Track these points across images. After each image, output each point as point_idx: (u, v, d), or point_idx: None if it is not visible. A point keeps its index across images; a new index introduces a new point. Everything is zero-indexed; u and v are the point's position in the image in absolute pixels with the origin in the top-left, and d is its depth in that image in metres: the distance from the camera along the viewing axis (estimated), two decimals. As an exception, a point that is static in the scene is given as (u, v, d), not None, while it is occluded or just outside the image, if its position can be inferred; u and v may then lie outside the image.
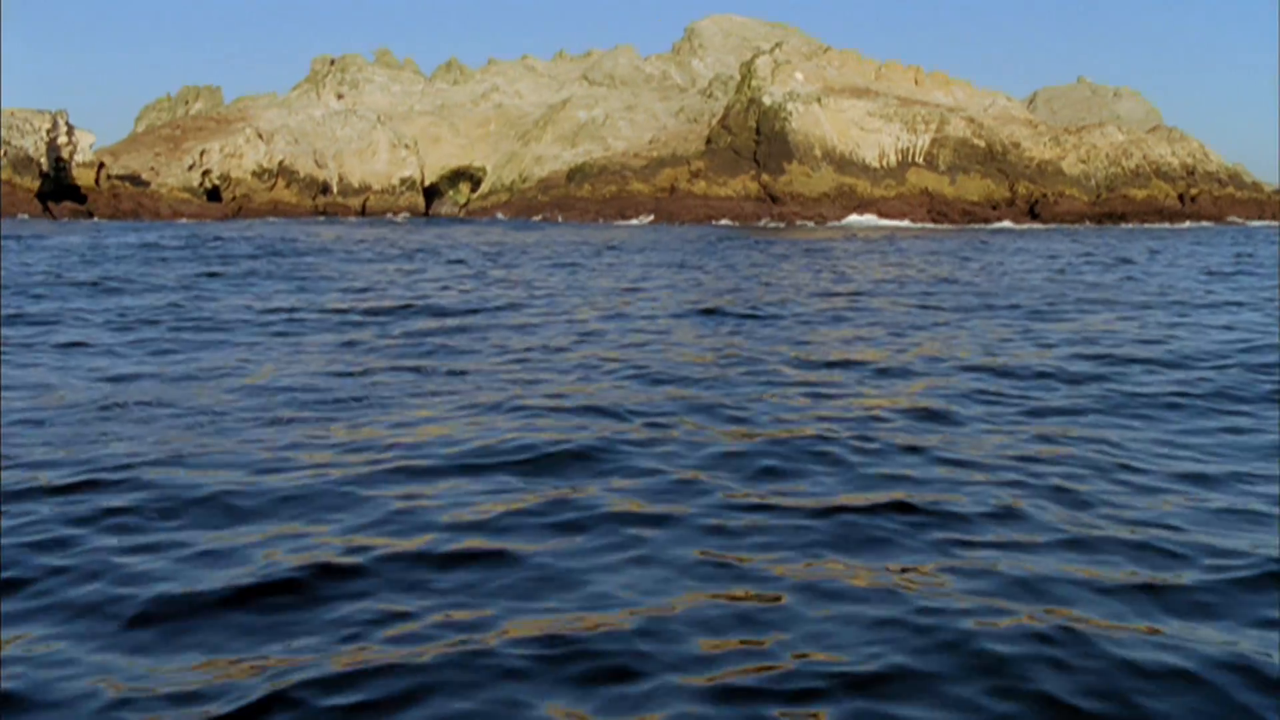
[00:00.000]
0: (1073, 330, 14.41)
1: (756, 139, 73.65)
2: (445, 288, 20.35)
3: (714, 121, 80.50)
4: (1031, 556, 5.48)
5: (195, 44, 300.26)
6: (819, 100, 73.80)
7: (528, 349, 12.27)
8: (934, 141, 74.85)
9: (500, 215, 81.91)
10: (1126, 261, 30.88)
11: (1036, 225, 73.41)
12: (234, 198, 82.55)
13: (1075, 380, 10.35)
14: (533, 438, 7.65)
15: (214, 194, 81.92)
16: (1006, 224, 73.26)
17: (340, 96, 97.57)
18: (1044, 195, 75.74)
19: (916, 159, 74.86)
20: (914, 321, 15.40)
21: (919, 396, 9.41)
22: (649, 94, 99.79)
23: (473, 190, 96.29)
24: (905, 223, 70.37)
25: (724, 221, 70.89)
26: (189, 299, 17.85)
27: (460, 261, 28.74)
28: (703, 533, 5.79)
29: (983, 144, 75.56)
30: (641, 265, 27.85)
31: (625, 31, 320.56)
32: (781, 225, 68.79)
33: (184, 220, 71.87)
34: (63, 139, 70.08)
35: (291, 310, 16.28)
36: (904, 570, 5.29)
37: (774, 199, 71.70)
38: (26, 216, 65.92)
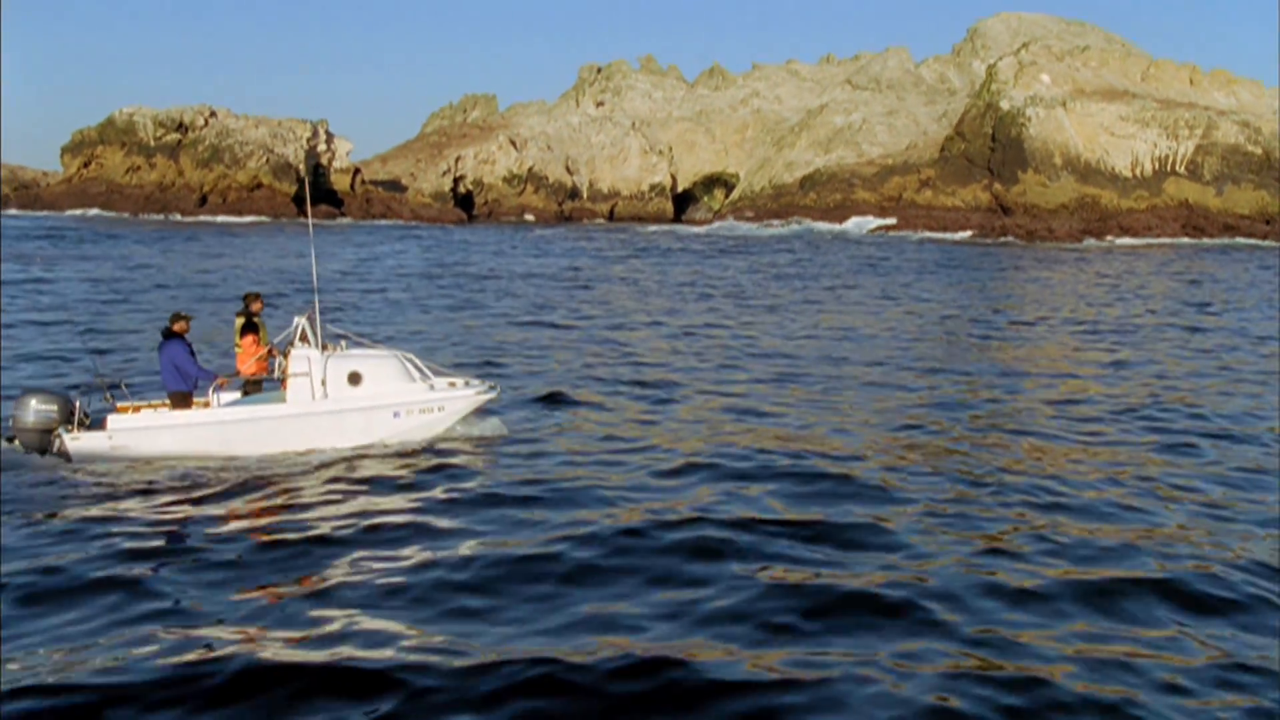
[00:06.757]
0: None
1: (991, 146, 69.01)
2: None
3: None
4: None
5: (476, 53, 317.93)
6: (1064, 104, 68.08)
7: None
8: (1199, 148, 67.26)
9: (723, 220, 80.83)
10: None
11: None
12: (485, 202, 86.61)
13: None
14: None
15: (466, 199, 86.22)
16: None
17: (600, 104, 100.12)
18: (1328, 209, 66.32)
19: (1177, 168, 67.56)
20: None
21: None
22: (915, 98, 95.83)
23: (725, 197, 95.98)
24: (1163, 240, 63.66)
25: (959, 234, 66.63)
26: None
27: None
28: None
29: (1259, 151, 67.11)
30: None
31: (901, 34, 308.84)
32: (1018, 243, 63.94)
33: (425, 223, 76.08)
34: (322, 146, 76.09)
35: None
36: None
37: (1005, 210, 66.91)
38: (277, 219, 72.10)
